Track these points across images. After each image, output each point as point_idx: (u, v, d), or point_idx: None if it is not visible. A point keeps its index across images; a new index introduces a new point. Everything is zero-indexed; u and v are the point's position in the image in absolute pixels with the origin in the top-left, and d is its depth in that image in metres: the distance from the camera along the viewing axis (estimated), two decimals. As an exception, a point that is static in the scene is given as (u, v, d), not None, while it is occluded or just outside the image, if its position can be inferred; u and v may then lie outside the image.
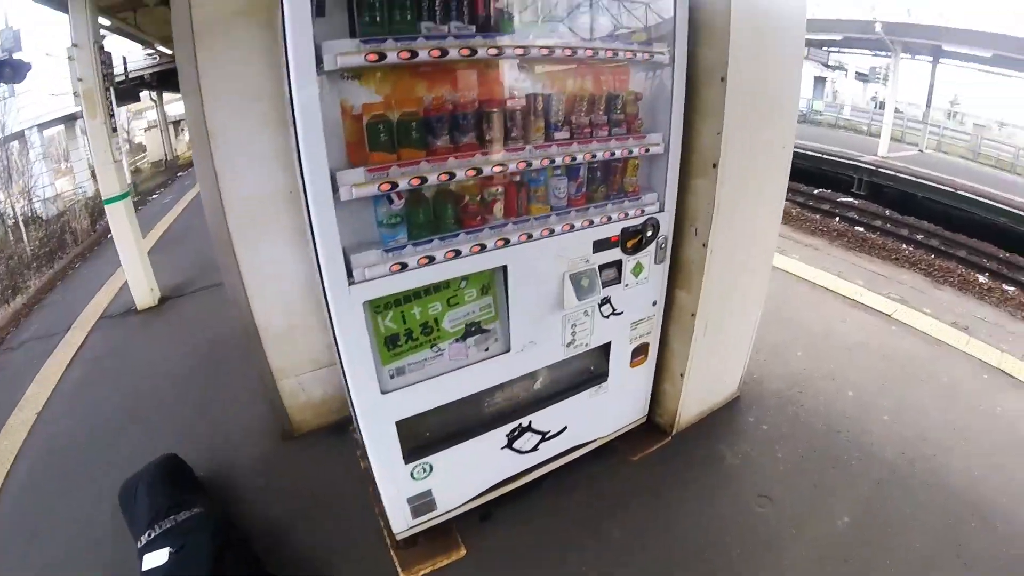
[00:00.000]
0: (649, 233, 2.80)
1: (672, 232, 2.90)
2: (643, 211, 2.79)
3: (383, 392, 2.36)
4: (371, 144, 2.32)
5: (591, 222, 2.70)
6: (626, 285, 2.86)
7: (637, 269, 2.87)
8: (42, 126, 18.94)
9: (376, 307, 2.29)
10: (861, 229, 11.23)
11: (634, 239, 2.79)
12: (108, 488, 3.02)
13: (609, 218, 2.73)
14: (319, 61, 1.90)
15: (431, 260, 2.31)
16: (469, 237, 2.41)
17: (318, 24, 2.02)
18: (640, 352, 3.11)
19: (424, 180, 2.33)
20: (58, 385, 4.63)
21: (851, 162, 16.07)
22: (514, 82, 2.58)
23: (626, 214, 2.75)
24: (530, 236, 2.57)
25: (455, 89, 2.46)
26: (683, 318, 3.10)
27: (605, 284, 2.76)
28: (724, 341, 3.32)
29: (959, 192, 13.32)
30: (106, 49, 5.91)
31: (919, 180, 14.28)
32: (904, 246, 10.22)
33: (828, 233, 10.44)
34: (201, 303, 6.06)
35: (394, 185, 2.27)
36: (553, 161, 2.61)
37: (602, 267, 2.74)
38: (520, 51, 2.38)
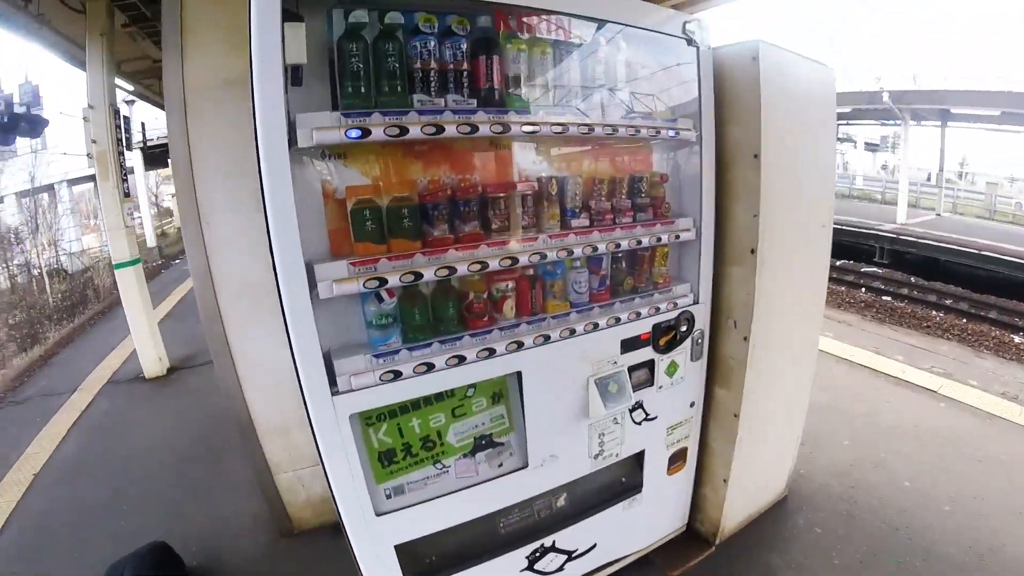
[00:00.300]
0: (684, 328, 2.47)
1: (709, 325, 2.60)
2: (675, 304, 2.48)
3: (378, 514, 2.01)
4: (356, 233, 1.94)
5: (617, 319, 2.37)
6: (660, 387, 2.52)
7: (671, 369, 2.52)
8: (72, 182, 19.25)
9: (367, 419, 1.99)
10: (888, 298, 11.08)
11: (667, 336, 2.45)
12: (94, 568, 2.85)
13: (638, 314, 2.40)
14: (292, 136, 1.66)
15: (430, 368, 1.98)
16: (475, 340, 2.09)
17: (294, 94, 1.72)
18: (678, 458, 2.73)
19: (419, 276, 1.93)
20: (58, 448, 4.62)
21: (871, 231, 16.14)
22: (524, 163, 2.26)
23: (657, 308, 2.43)
24: (547, 338, 2.23)
25: (455, 171, 2.12)
26: (725, 418, 2.74)
27: (636, 387, 2.40)
28: (770, 439, 2.98)
29: (982, 252, 13.32)
30: (123, 113, 5.83)
31: (941, 244, 14.34)
32: (934, 312, 10.07)
33: (856, 305, 10.30)
34: (209, 377, 5.79)
35: (382, 281, 1.88)
36: (571, 252, 2.22)
37: (632, 368, 2.40)
38: (530, 128, 2.05)
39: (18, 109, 5.57)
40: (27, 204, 17.14)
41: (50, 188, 18.41)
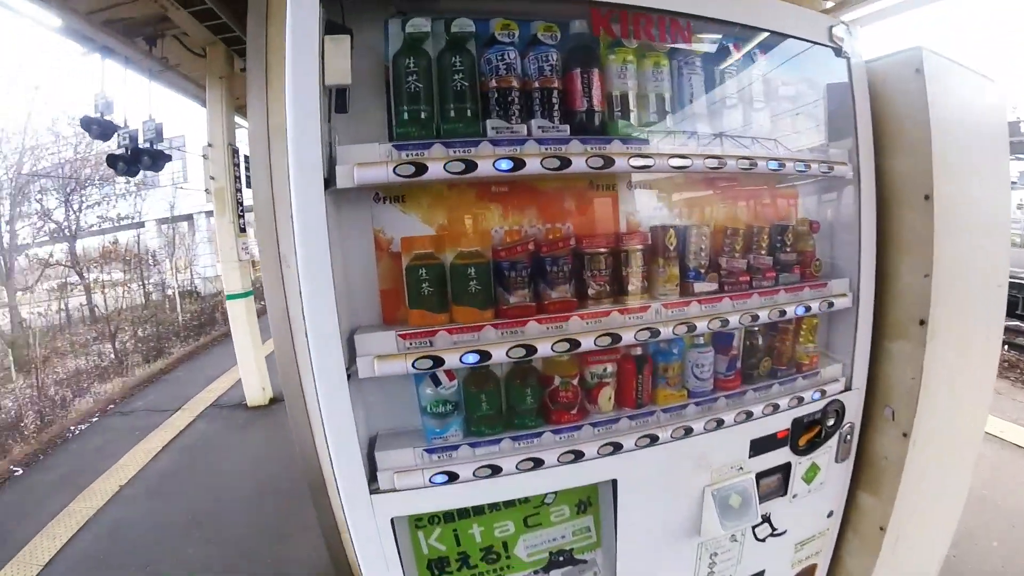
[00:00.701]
0: (831, 423, 1.96)
1: (861, 417, 2.05)
2: (823, 391, 1.95)
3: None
4: (411, 297, 1.52)
5: (748, 414, 1.83)
6: (794, 495, 2.00)
7: (811, 473, 2.00)
8: (209, 213, 21.40)
9: (418, 520, 1.69)
10: (1038, 359, 9.15)
11: (810, 433, 1.93)
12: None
13: (775, 406, 1.87)
14: (331, 173, 1.36)
15: (495, 471, 1.56)
16: (559, 438, 1.65)
17: (343, 124, 1.41)
18: (804, 577, 2.14)
19: (486, 356, 1.47)
20: (149, 463, 4.78)
21: (1013, 279, 13.81)
22: (632, 209, 1.74)
23: (799, 399, 1.90)
24: (654, 439, 1.70)
25: (542, 219, 1.65)
26: (868, 530, 2.20)
27: (764, 498, 1.91)
28: (918, 551, 2.40)
29: None
30: (243, 152, 6.11)
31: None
32: (1098, 378, 8.10)
33: (999, 365, 8.47)
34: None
35: (437, 361, 1.44)
36: (693, 327, 1.63)
37: (761, 475, 1.90)
38: (640, 163, 1.54)
39: (142, 144, 5.95)
40: (166, 230, 18.97)
41: (189, 218, 20.45)
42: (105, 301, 9.72)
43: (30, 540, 3.73)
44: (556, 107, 1.53)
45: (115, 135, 5.81)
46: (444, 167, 1.38)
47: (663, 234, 1.66)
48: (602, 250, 1.58)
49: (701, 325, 1.64)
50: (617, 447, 1.63)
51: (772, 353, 1.94)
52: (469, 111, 1.50)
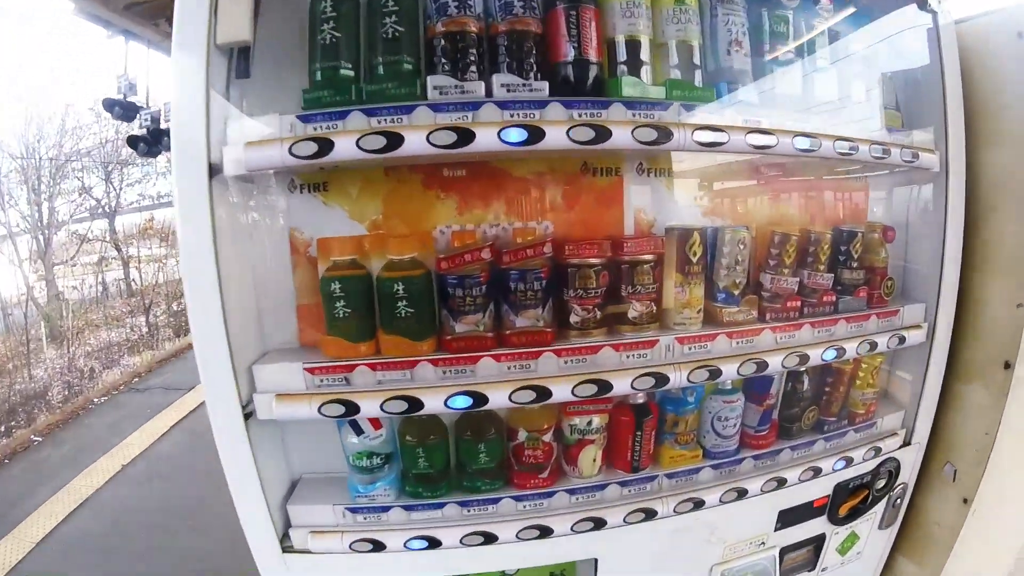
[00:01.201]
0: (882, 484, 1.53)
1: (916, 475, 1.62)
2: (878, 448, 1.51)
3: None
4: (327, 320, 1.13)
5: (781, 481, 1.38)
6: (823, 569, 1.60)
7: (848, 543, 1.60)
8: None
9: None
10: None
11: (855, 499, 1.50)
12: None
13: (816, 470, 1.42)
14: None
15: (433, 544, 1.21)
16: (522, 508, 1.27)
17: (252, 95, 1.10)
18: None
19: (415, 405, 1.08)
20: (154, 444, 4.62)
21: None
22: (643, 203, 1.26)
23: (848, 459, 1.46)
24: (650, 514, 1.28)
25: (513, 215, 1.19)
26: None
27: (787, 574, 1.53)
28: None
29: None
30: None
31: None
32: None
33: None
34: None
35: (351, 408, 1.08)
36: (717, 371, 1.17)
37: (786, 550, 1.50)
38: (652, 136, 1.06)
39: (163, 125, 5.74)
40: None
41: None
42: (141, 276, 9.79)
43: (28, 516, 3.61)
44: (530, 58, 1.07)
45: (137, 116, 5.57)
46: (357, 143, 0.97)
47: (684, 239, 1.17)
48: (594, 261, 1.11)
49: (729, 369, 1.17)
50: (599, 523, 1.22)
51: (820, 401, 1.45)
52: (406, 66, 1.07)
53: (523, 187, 1.18)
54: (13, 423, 5.40)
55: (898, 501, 1.59)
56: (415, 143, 0.98)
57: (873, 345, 1.35)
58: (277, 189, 1.19)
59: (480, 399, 1.07)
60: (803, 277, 1.29)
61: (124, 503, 3.77)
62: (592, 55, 1.09)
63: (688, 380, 1.14)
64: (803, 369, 1.33)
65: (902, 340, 1.40)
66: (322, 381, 1.11)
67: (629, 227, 1.22)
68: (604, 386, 1.10)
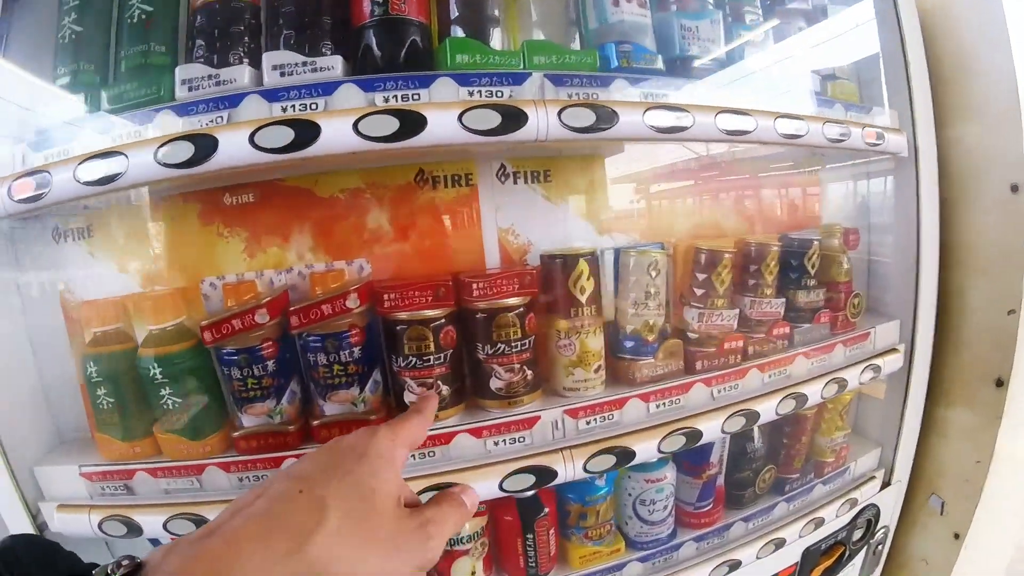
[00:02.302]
0: (859, 536, 1.23)
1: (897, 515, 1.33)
2: (853, 501, 1.19)
3: None
4: (95, 412, 0.84)
5: (734, 564, 1.03)
6: None
7: None
8: None
9: None
10: None
11: (829, 559, 1.18)
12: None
13: (779, 542, 1.08)
14: None
15: None
16: None
17: None
18: None
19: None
20: None
21: None
22: (510, 221, 0.89)
23: (818, 520, 1.13)
24: None
25: (323, 252, 0.85)
26: None
27: None
28: None
29: None
30: None
31: None
32: None
33: None
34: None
35: (133, 528, 0.81)
36: (626, 453, 0.82)
37: None
38: (496, 121, 0.70)
39: None
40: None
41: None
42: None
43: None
44: (319, 26, 0.73)
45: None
46: (75, 175, 0.66)
47: (567, 270, 0.83)
48: (429, 314, 0.77)
49: (646, 447, 0.82)
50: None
51: (778, 458, 1.10)
52: (154, 57, 0.75)
53: (334, 212, 0.83)
54: None
55: (879, 548, 1.31)
56: (141, 167, 0.65)
57: (842, 384, 1.00)
58: (40, 242, 0.89)
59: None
60: (744, 306, 0.93)
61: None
62: (407, 12, 0.74)
63: (586, 470, 0.80)
64: (749, 427, 0.98)
65: (877, 371, 1.07)
66: (104, 488, 0.83)
67: (493, 258, 0.86)
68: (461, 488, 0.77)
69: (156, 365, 0.76)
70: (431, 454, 0.80)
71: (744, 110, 0.82)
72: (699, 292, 0.89)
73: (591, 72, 0.79)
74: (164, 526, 0.78)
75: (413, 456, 0.79)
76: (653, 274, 0.85)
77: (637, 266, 0.85)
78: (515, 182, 0.86)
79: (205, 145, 0.65)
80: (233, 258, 0.83)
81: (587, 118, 0.72)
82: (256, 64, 0.73)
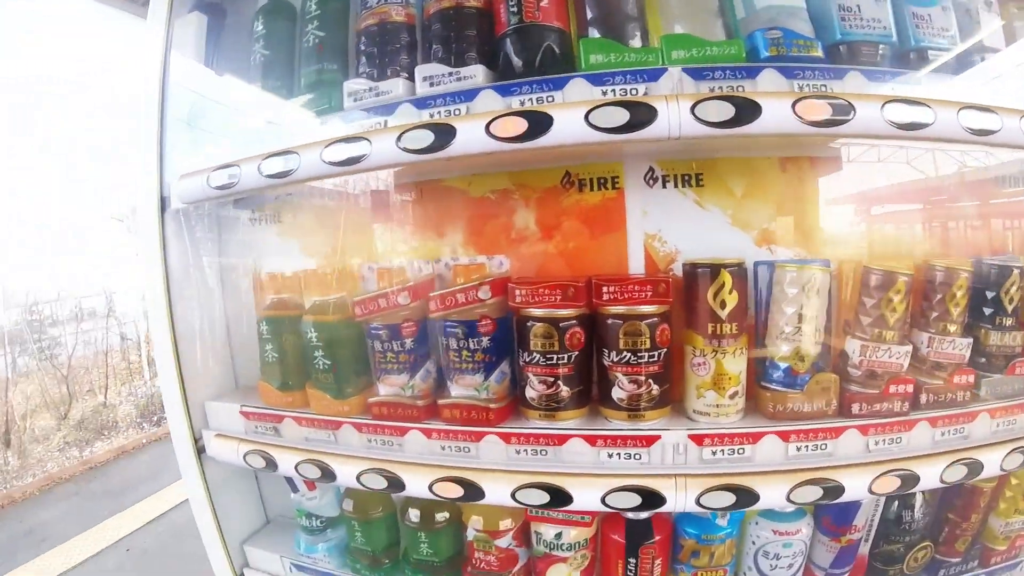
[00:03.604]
0: None
1: None
2: None
3: None
4: (261, 363, 0.99)
5: None
6: None
7: None
8: None
9: None
10: None
11: None
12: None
13: None
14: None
15: None
16: None
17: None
18: None
19: (328, 474, 0.87)
20: None
21: None
22: (657, 227, 0.84)
23: None
24: None
25: (472, 246, 0.90)
26: None
27: None
28: None
29: None
30: None
31: None
32: None
33: None
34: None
35: (270, 463, 0.92)
36: (750, 495, 0.72)
37: None
38: (624, 118, 0.68)
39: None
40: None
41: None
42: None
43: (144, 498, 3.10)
44: (465, 41, 0.78)
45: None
46: (259, 170, 0.78)
47: (707, 280, 0.76)
48: (560, 314, 0.76)
49: (773, 493, 0.72)
50: None
51: (938, 535, 0.89)
52: (326, 75, 0.88)
53: (484, 211, 0.87)
54: (164, 414, 5.89)
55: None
56: (310, 164, 0.75)
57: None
58: (239, 223, 1.09)
59: (394, 482, 0.80)
60: (920, 344, 0.78)
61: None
62: (543, 18, 0.76)
63: (698, 503, 0.73)
64: (911, 493, 0.82)
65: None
66: (256, 428, 0.97)
67: (636, 263, 0.83)
68: (559, 496, 0.74)
69: (313, 330, 0.86)
70: (543, 452, 0.78)
71: (917, 99, 0.69)
72: (865, 320, 0.76)
73: (736, 63, 0.73)
74: (295, 467, 0.88)
75: (524, 451, 0.79)
76: (811, 294, 0.75)
77: (793, 283, 0.75)
78: (664, 185, 0.82)
79: (361, 148, 0.74)
80: (396, 246, 0.93)
81: (724, 112, 0.67)
82: (411, 76, 0.80)
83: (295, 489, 1.00)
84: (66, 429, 4.07)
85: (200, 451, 1.02)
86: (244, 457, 0.93)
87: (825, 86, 0.72)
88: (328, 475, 0.85)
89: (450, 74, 0.75)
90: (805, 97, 0.67)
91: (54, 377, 4.49)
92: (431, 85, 0.76)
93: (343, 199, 0.97)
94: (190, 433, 1.01)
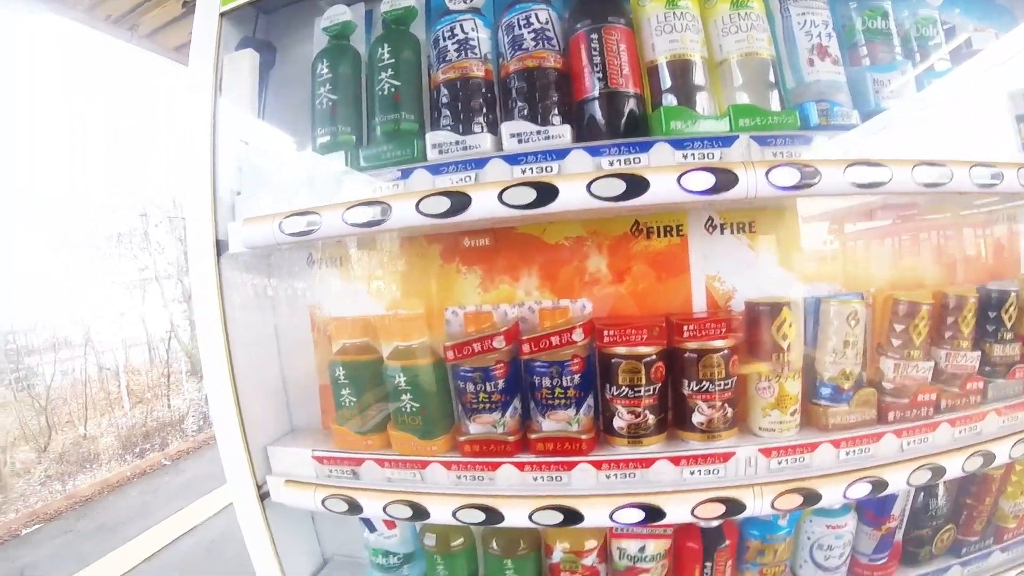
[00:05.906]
0: None
1: None
2: None
3: None
4: (337, 407, 0.98)
5: None
6: None
7: None
8: None
9: None
10: None
11: None
12: None
13: None
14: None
15: None
16: None
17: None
18: None
19: (420, 513, 0.89)
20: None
21: None
22: (716, 269, 0.95)
23: None
24: None
25: (547, 290, 0.96)
26: None
27: None
28: None
29: None
30: None
31: None
32: None
33: None
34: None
35: (354, 507, 0.93)
36: (814, 495, 0.84)
37: None
38: (708, 181, 0.78)
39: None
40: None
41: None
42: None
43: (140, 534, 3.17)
44: (548, 100, 0.83)
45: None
46: (343, 218, 0.80)
47: (771, 317, 0.88)
48: (643, 351, 0.85)
49: (833, 491, 0.84)
50: None
51: (959, 519, 1.04)
52: (404, 125, 0.89)
53: (559, 256, 0.93)
54: (148, 446, 5.60)
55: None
56: (403, 214, 0.79)
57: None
58: (295, 264, 1.08)
59: (493, 515, 0.85)
60: (939, 359, 0.93)
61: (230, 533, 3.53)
62: (625, 85, 0.83)
63: (773, 507, 0.84)
64: (933, 483, 0.96)
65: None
66: (331, 472, 0.97)
67: (699, 302, 0.92)
68: (654, 512, 0.82)
69: (401, 374, 0.89)
70: (631, 476, 0.86)
71: (938, 161, 0.83)
72: (896, 343, 0.90)
73: (792, 132, 0.85)
74: (384, 509, 0.90)
75: (613, 476, 0.87)
76: (852, 324, 0.88)
77: (837, 316, 0.88)
78: (722, 232, 0.92)
79: (460, 200, 0.77)
80: (469, 291, 0.96)
81: (793, 177, 0.78)
82: (494, 131, 0.86)
83: (372, 528, 1.02)
84: (47, 462, 3.80)
85: (263, 496, 1.02)
86: (323, 502, 0.94)
87: (863, 150, 0.85)
88: (420, 514, 0.88)
89: (538, 132, 0.81)
90: (855, 163, 0.79)
91: (31, 408, 4.16)
92: (519, 142, 0.81)
93: (410, 244, 1.00)
94: (253, 480, 1.00)
